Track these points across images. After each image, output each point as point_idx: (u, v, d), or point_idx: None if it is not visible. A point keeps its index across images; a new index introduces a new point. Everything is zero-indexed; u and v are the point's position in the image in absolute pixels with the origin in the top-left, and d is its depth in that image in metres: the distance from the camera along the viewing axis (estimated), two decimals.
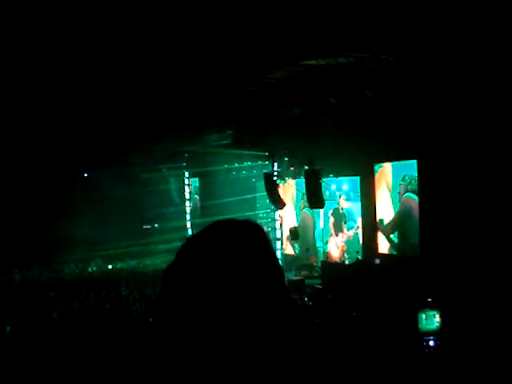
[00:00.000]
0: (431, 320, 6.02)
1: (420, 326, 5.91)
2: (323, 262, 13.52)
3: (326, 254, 14.11)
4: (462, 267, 7.43)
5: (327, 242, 14.20)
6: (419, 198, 10.96)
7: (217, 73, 9.57)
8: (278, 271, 1.00)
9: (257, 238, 1.01)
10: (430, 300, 6.31)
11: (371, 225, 12.53)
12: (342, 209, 13.61)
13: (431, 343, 5.61)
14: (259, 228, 1.02)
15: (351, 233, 13.30)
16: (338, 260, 13.55)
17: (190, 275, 0.94)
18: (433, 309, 6.10)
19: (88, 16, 6.64)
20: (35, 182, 15.26)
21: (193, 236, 1.01)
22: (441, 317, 6.08)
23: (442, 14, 6.66)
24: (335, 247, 13.77)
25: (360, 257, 12.68)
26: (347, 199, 13.45)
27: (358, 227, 13.10)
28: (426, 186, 10.59)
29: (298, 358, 0.97)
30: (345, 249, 13.45)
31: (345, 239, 13.50)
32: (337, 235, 13.73)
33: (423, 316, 6.15)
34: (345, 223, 13.58)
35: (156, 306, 0.99)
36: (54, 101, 10.53)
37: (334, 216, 13.87)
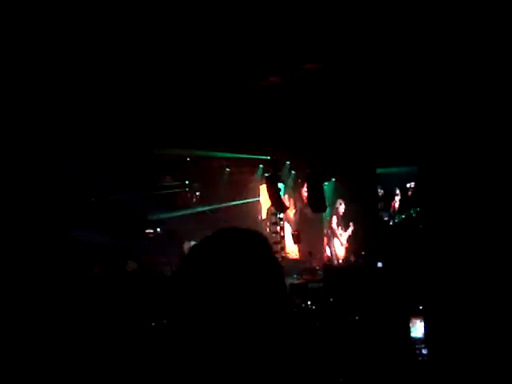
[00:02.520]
0: (416, 328, 6.00)
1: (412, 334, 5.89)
2: (326, 266, 13.53)
3: (330, 255, 14.20)
4: (456, 274, 7.39)
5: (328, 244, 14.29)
6: (420, 205, 10.97)
7: (218, 76, 9.58)
8: (279, 277, 1.02)
9: (258, 246, 1.03)
10: (420, 308, 6.29)
11: (373, 228, 12.53)
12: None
13: (424, 351, 5.57)
14: (260, 236, 1.06)
15: (350, 230, 13.47)
16: (343, 259, 13.65)
17: (194, 282, 0.96)
18: (419, 316, 6.11)
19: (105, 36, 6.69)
20: (39, 187, 15.26)
21: (196, 245, 1.03)
22: (426, 324, 6.08)
23: (443, 18, 6.66)
24: (340, 246, 13.90)
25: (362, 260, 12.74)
26: None
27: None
28: (426, 192, 10.54)
29: (298, 360, 0.99)
30: (348, 247, 13.57)
31: (347, 237, 13.75)
32: (341, 235, 13.86)
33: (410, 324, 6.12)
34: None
35: (163, 311, 1.02)
36: (64, 110, 10.53)
37: (337, 215, 14.04)
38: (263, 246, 1.04)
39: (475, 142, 8.19)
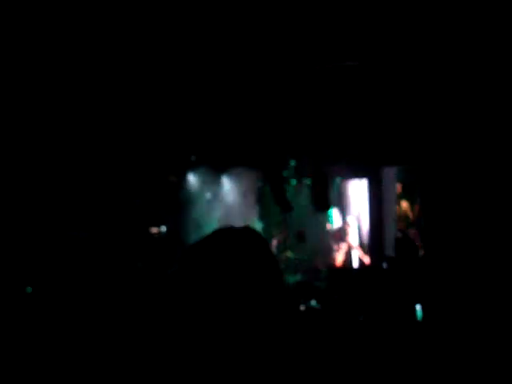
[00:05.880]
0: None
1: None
2: (329, 267, 13.46)
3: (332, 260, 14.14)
4: (460, 270, 7.35)
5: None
6: (421, 202, 10.87)
7: (221, 77, 9.57)
8: (277, 273, 1.04)
9: (256, 243, 1.05)
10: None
11: (378, 229, 12.48)
12: None
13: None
14: (257, 234, 1.08)
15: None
16: (343, 264, 13.57)
17: (192, 280, 0.98)
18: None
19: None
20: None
21: (193, 244, 1.05)
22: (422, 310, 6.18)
23: (445, 18, 6.64)
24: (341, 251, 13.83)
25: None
26: None
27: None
28: (427, 189, 10.45)
29: (298, 359, 1.01)
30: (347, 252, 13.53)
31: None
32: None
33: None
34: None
35: (160, 308, 1.07)
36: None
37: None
38: (260, 243, 1.06)
39: (479, 141, 8.16)
